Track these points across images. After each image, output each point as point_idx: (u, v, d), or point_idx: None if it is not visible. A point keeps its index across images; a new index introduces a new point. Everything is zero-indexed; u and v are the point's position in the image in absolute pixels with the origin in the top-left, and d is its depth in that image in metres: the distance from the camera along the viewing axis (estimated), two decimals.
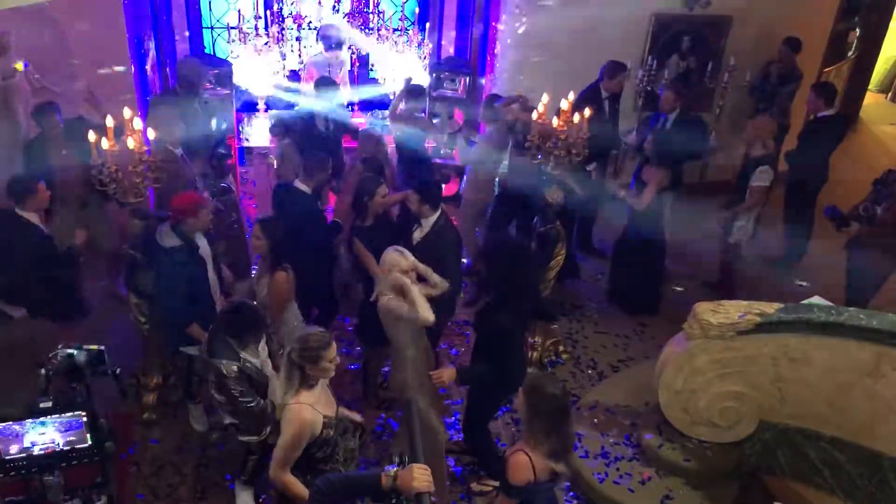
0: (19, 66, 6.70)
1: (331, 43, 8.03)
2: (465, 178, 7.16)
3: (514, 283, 4.39)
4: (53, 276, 5.35)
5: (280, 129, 6.76)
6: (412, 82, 7.10)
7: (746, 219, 6.44)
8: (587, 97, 6.84)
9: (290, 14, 8.22)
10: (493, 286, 4.49)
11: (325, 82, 7.09)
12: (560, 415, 3.51)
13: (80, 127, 5.40)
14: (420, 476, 2.89)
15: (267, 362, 4.39)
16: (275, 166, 6.83)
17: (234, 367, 4.10)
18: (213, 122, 6.80)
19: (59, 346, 3.83)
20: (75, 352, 3.76)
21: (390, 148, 7.08)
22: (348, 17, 8.24)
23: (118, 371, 4.02)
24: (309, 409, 3.55)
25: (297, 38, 8.38)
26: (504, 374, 4.42)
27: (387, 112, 8.60)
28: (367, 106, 8.69)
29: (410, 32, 8.42)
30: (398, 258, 4.49)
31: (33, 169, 5.80)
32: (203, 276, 4.98)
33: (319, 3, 8.25)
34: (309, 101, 7.07)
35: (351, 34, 8.12)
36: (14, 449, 3.46)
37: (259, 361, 4.29)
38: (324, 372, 3.62)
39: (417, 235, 5.20)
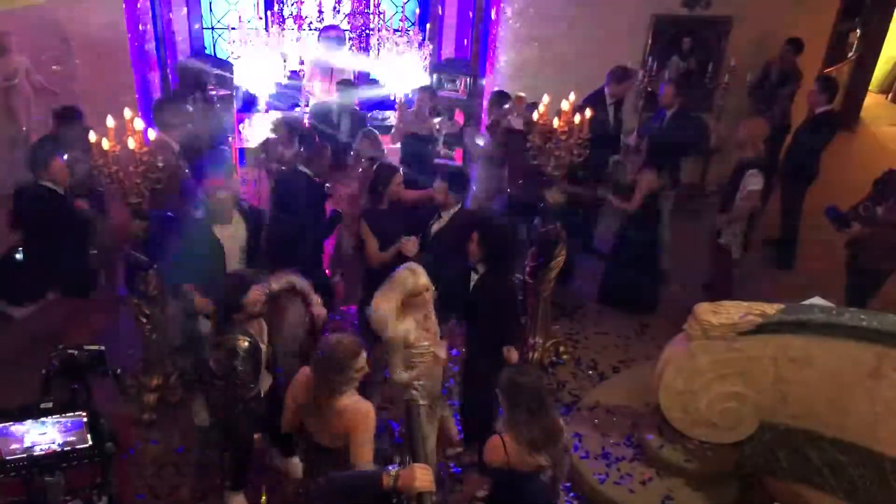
0: None
1: (330, 43, 8.05)
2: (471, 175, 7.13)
3: (505, 254, 4.65)
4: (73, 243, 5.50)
5: (282, 131, 6.72)
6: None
7: (736, 222, 6.34)
8: (591, 102, 6.83)
9: (291, 15, 8.24)
10: (485, 258, 4.63)
11: (345, 84, 7.17)
12: (537, 403, 3.57)
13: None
14: (422, 476, 2.88)
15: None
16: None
17: (246, 344, 4.15)
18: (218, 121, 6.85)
19: (60, 347, 3.83)
20: (76, 352, 3.76)
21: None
22: (349, 18, 8.26)
23: (119, 371, 4.03)
24: (364, 402, 3.55)
25: (298, 39, 8.40)
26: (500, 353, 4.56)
27: (388, 113, 8.64)
28: (368, 107, 8.70)
29: (411, 33, 8.43)
30: (406, 277, 4.17)
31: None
32: (211, 253, 4.97)
33: (320, 4, 8.27)
34: (320, 100, 7.14)
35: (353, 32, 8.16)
36: (14, 449, 3.46)
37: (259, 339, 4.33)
38: (349, 382, 3.51)
39: (437, 227, 5.20)
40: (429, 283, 4.22)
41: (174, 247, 5.02)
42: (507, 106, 6.87)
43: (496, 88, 7.83)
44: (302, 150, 5.96)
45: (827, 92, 7.07)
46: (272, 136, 6.88)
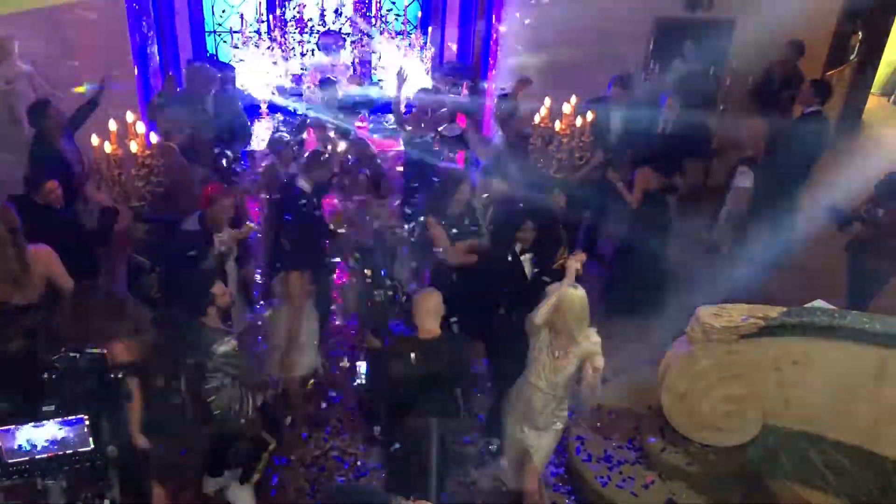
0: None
1: (329, 48, 8.06)
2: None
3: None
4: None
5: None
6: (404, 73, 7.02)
7: (724, 220, 6.31)
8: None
9: (293, 18, 8.25)
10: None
11: (327, 83, 7.14)
12: None
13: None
14: None
15: None
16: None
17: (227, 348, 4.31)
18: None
19: (62, 350, 3.83)
20: (78, 355, 3.76)
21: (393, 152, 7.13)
22: (351, 21, 8.28)
23: (121, 374, 4.02)
24: None
25: (300, 42, 8.42)
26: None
27: (391, 116, 8.64)
28: (371, 110, 8.69)
29: (413, 36, 8.44)
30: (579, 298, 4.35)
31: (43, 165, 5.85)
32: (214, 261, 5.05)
33: (322, 8, 8.29)
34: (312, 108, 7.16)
35: (355, 35, 8.16)
36: (16, 452, 3.46)
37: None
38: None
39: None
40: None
41: (178, 258, 5.04)
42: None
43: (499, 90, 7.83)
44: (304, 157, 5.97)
45: (819, 96, 7.05)
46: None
